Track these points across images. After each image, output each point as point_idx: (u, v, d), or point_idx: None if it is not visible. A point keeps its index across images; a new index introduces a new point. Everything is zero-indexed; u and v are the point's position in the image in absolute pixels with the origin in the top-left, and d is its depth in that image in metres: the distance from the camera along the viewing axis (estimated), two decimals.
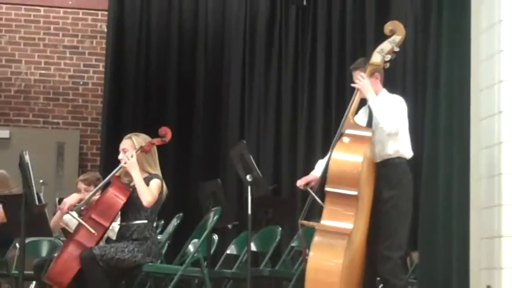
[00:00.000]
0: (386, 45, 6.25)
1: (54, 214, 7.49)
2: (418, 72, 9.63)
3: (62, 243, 7.02)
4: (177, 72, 10.85)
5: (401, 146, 6.18)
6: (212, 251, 7.49)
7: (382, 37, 6.35)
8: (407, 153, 6.22)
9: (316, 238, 6.03)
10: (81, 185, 7.41)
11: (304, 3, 10.19)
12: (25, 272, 7.41)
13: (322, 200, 6.00)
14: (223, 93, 10.79)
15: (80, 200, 6.75)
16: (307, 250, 6.05)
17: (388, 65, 6.30)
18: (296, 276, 6.72)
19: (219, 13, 10.89)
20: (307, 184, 6.32)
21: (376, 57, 6.23)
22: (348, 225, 5.97)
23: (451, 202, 6.43)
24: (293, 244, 7.29)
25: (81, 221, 6.36)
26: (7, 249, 7.87)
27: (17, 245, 7.34)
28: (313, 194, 6.23)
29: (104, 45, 11.30)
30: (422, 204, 6.58)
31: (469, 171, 6.39)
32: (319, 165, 6.39)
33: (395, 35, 6.26)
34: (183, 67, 10.87)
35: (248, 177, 6.52)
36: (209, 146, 10.58)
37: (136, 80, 10.83)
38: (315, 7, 10.37)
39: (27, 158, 6.49)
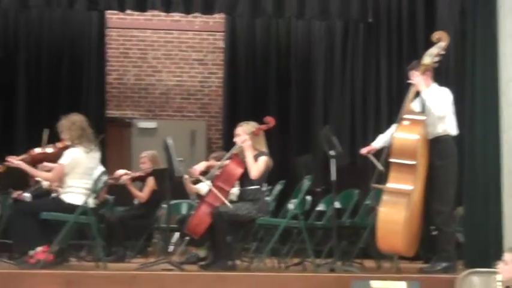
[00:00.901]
0: (434, 50, 6.22)
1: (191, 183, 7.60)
2: (459, 68, 9.54)
3: (196, 204, 7.10)
4: (276, 74, 10.86)
5: (448, 126, 6.13)
6: (306, 208, 7.50)
7: (430, 44, 6.30)
8: (453, 131, 6.17)
9: (384, 197, 6.03)
10: (212, 161, 7.51)
11: (370, 20, 10.08)
12: (171, 226, 7.59)
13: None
14: (311, 90, 10.75)
15: (207, 167, 6.84)
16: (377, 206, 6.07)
17: (436, 64, 6.25)
18: (370, 226, 6.67)
19: (307, 29, 10.84)
20: (368, 152, 6.51)
21: (427, 59, 6.20)
22: (408, 187, 5.96)
23: (487, 168, 6.32)
24: (367, 202, 7.23)
25: (212, 187, 6.44)
26: (157, 209, 8.02)
27: (164, 205, 7.47)
28: (372, 159, 6.51)
29: (222, 58, 11.37)
30: (465, 170, 6.47)
31: (500, 144, 6.29)
32: (379, 138, 6.58)
33: (441, 41, 6.21)
34: (280, 71, 10.87)
35: (332, 152, 6.50)
36: (302, 130, 10.56)
37: (246, 82, 10.89)
38: (377, 23, 10.26)
39: (170, 142, 6.60)
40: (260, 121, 6.70)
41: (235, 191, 6.82)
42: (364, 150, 6.63)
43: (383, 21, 10.32)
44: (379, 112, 10.25)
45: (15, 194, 7.62)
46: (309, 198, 7.55)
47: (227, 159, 6.61)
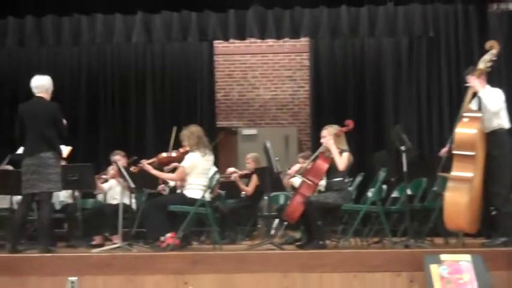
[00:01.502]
0: (487, 56, 6.04)
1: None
2: (510, 72, 9.37)
3: (291, 195, 7.10)
4: (353, 85, 10.71)
5: (502, 121, 5.95)
6: (383, 196, 7.40)
7: (484, 51, 6.12)
8: (507, 125, 5.99)
9: (449, 184, 5.89)
10: (300, 160, 7.51)
11: (431, 34, 9.87)
12: (271, 213, 7.62)
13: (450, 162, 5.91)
14: (383, 97, 10.56)
15: (300, 168, 6.84)
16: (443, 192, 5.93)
17: (489, 69, 6.08)
18: (437, 208, 6.51)
19: (377, 45, 10.68)
20: (445, 153, 6.28)
21: (481, 65, 6.04)
22: (469, 174, 5.81)
23: None
24: (434, 188, 7.07)
25: (305, 179, 6.43)
26: (260, 200, 8.07)
27: (266, 197, 7.51)
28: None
29: (308, 74, 11.32)
30: None
31: None
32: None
33: (493, 49, 6.03)
34: (356, 82, 10.71)
35: (403, 147, 6.38)
36: (377, 130, 10.37)
37: (328, 93, 10.80)
38: (438, 37, 10.03)
39: (268, 145, 6.64)
40: (341, 124, 6.66)
41: (323, 183, 6.80)
42: (441, 153, 6.44)
43: (442, 35, 10.09)
44: (442, 112, 10.03)
45: (160, 187, 7.77)
46: (384, 187, 7.45)
47: (315, 157, 6.59)
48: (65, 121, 6.28)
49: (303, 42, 11.14)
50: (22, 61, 10.91)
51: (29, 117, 6.13)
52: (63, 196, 8.04)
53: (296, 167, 6.92)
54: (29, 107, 6.21)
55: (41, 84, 6.29)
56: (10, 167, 7.40)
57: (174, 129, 7.13)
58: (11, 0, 8.47)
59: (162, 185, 7.72)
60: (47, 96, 6.29)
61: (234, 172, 8.28)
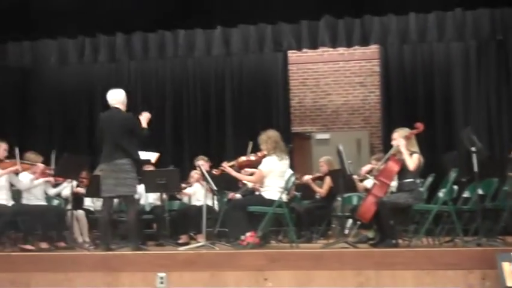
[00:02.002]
0: None
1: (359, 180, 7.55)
2: None
3: (364, 196, 7.03)
4: (423, 89, 10.48)
5: None
6: (454, 196, 7.21)
7: None
8: None
9: None
10: (373, 162, 7.42)
11: (499, 38, 9.56)
12: (345, 214, 7.55)
13: None
14: (452, 99, 10.32)
15: (371, 168, 6.77)
16: None
17: None
18: (508, 207, 6.31)
19: (446, 50, 10.45)
20: None
21: None
22: None
23: None
24: (505, 188, 6.84)
25: (374, 180, 6.37)
26: (334, 201, 8.00)
27: (339, 198, 7.48)
28: None
29: (378, 80, 11.18)
30: None
31: None
32: None
33: None
34: (426, 86, 10.48)
35: (473, 148, 6.22)
36: (447, 132, 10.11)
37: (398, 97, 10.63)
38: (506, 40, 9.71)
39: (341, 149, 6.61)
40: (411, 127, 6.55)
41: (394, 184, 6.71)
42: None
43: (510, 38, 9.74)
44: (511, 113, 9.72)
45: (230, 195, 7.93)
46: (455, 187, 7.26)
47: (386, 159, 6.51)
48: (144, 125, 6.39)
49: (373, 49, 11.01)
50: (112, 74, 11.34)
51: (106, 126, 6.35)
52: (152, 198, 8.29)
53: (367, 167, 6.84)
54: (106, 117, 6.43)
55: (116, 97, 6.48)
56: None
57: (250, 144, 7.20)
58: (102, 19, 8.81)
59: (232, 194, 7.85)
60: (122, 107, 6.47)
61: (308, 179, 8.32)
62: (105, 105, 6.57)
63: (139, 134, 6.33)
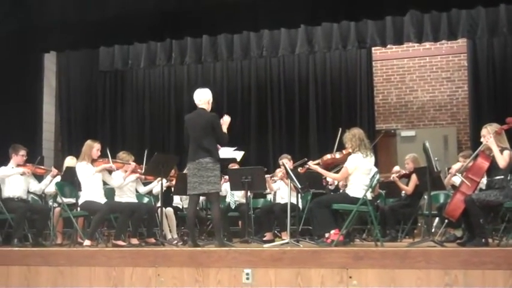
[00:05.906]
0: None
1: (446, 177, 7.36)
2: None
3: (452, 194, 6.82)
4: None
5: None
6: None
7: None
8: None
9: None
10: (461, 159, 7.22)
11: None
12: (432, 212, 7.32)
13: None
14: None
15: (461, 167, 6.58)
16: None
17: None
18: None
19: None
20: None
21: None
22: None
23: None
24: None
25: (465, 178, 6.18)
26: (420, 199, 7.83)
27: (426, 196, 7.28)
28: None
29: (466, 74, 10.88)
30: None
31: None
32: None
33: None
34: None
35: None
36: None
37: (488, 92, 10.32)
38: None
39: (427, 146, 6.45)
40: (501, 122, 6.29)
41: (484, 181, 6.48)
42: None
43: None
44: None
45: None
46: None
47: (475, 156, 6.30)
48: (224, 130, 6.50)
49: (460, 43, 10.71)
50: (198, 75, 11.62)
51: (191, 126, 6.50)
52: (237, 196, 8.40)
53: (457, 165, 6.65)
54: (191, 118, 6.58)
55: (202, 97, 6.60)
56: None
57: (339, 131, 7.14)
58: (190, 22, 9.03)
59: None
60: (208, 107, 6.60)
61: (399, 171, 8.15)
62: (193, 105, 6.72)
63: (220, 136, 6.45)
